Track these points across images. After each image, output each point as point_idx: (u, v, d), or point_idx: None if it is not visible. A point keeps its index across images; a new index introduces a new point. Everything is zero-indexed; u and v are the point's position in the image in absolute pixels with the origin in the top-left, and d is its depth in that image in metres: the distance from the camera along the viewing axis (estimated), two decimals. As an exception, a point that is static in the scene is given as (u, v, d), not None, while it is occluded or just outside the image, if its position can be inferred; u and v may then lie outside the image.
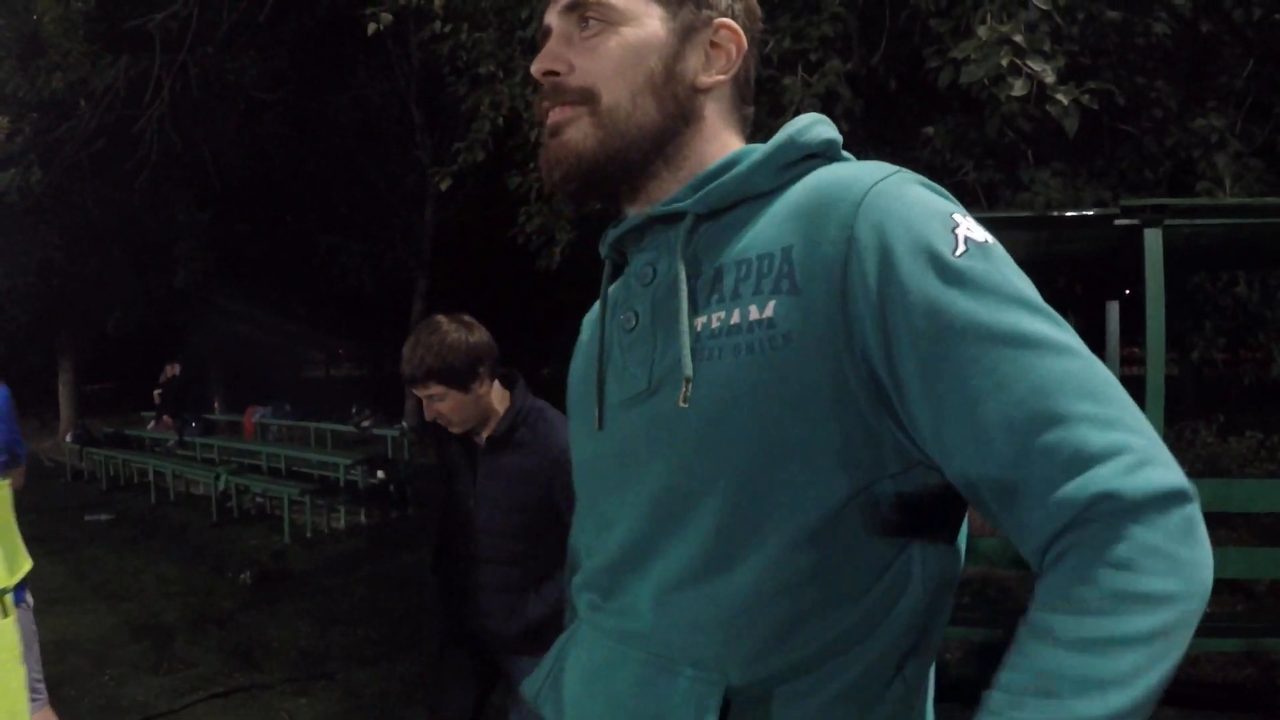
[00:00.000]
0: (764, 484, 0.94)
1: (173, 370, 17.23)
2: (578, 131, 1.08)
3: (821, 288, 0.92)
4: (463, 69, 7.27)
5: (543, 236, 6.99)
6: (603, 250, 1.20)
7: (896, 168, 0.98)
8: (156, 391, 17.37)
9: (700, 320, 1.01)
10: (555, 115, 1.09)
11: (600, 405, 1.13)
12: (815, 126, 1.08)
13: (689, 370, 0.99)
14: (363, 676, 5.55)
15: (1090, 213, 3.87)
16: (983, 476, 0.87)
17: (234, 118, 15.95)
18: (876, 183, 0.94)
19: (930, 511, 0.96)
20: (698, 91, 1.10)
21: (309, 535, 9.93)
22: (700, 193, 1.06)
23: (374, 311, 23.09)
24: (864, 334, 0.90)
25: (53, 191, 14.54)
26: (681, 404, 0.99)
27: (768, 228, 1.01)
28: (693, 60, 1.10)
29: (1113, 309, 5.30)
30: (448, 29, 6.81)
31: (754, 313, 0.96)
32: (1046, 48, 3.85)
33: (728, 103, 1.13)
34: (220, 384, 22.31)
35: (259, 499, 11.57)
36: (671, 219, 1.08)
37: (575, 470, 1.23)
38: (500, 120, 6.71)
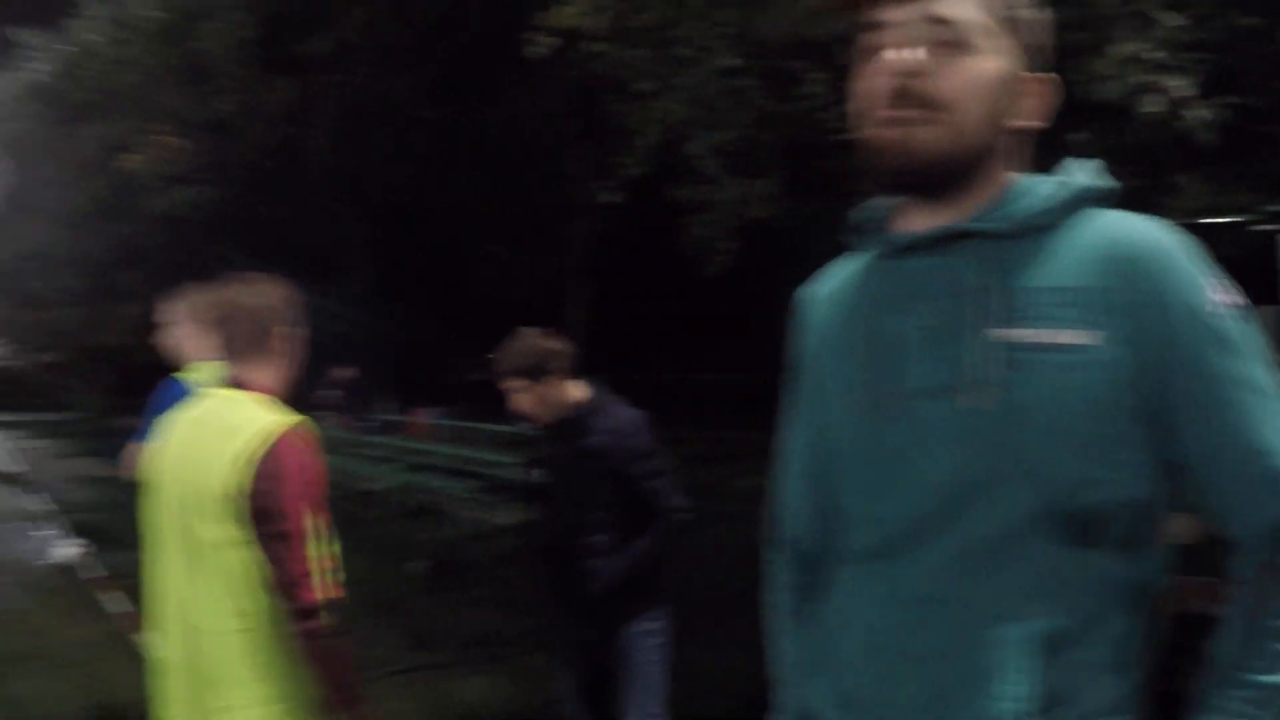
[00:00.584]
0: (1070, 478, 1.18)
1: (347, 373, 17.97)
2: (929, 134, 1.22)
3: (1121, 329, 1.18)
4: (619, 87, 7.43)
5: (708, 245, 7.20)
6: (872, 245, 1.39)
7: (1173, 230, 1.23)
8: (338, 393, 18.12)
9: (1011, 333, 1.20)
10: (905, 112, 1.22)
11: (883, 391, 1.30)
12: (1099, 176, 1.28)
13: (994, 378, 1.20)
14: (532, 660, 5.79)
15: (1225, 220, 3.89)
16: (1210, 479, 1.20)
17: (391, 135, 16.63)
18: (1164, 246, 1.20)
19: (1141, 511, 1.22)
20: (1013, 130, 1.28)
21: (477, 530, 10.35)
22: (1004, 219, 1.25)
23: (530, 319, 23.39)
24: (1149, 368, 1.19)
25: (225, 208, 15.35)
26: (987, 404, 1.20)
27: (1071, 263, 1.22)
28: (1019, 103, 1.27)
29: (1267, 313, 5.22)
30: (603, 48, 6.97)
31: (1068, 337, 1.18)
32: (1180, 62, 3.92)
33: (1028, 144, 1.32)
34: (388, 387, 23.14)
35: (429, 495, 12.06)
36: (973, 235, 1.26)
37: (844, 445, 1.36)
38: (661, 136, 6.86)
